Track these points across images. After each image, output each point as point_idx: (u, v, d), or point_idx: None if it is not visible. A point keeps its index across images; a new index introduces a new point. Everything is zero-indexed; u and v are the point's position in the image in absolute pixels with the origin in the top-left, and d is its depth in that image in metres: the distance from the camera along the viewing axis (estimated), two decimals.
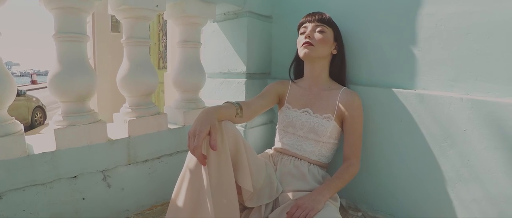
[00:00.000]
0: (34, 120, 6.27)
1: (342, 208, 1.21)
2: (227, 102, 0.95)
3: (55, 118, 0.96)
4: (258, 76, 1.46)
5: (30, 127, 6.02)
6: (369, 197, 1.20)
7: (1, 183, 0.81)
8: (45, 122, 6.67)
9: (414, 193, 1.07)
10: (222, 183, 0.82)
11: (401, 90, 1.06)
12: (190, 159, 0.80)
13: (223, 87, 1.51)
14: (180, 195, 0.80)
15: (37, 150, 0.89)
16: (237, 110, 0.93)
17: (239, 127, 1.35)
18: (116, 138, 1.04)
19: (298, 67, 1.20)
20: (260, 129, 1.39)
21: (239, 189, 0.91)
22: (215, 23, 1.52)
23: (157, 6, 1.05)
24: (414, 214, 1.08)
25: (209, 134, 0.76)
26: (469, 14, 0.93)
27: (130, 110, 1.12)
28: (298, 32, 1.13)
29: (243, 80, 1.41)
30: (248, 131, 1.35)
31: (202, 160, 0.74)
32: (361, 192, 1.22)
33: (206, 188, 0.76)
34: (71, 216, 0.95)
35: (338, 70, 1.13)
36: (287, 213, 0.88)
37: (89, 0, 0.91)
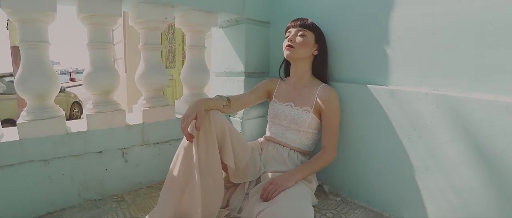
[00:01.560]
0: (72, 114, 6.91)
1: (324, 193, 1.37)
2: (218, 95, 1.17)
3: (87, 106, 1.24)
4: (256, 75, 1.67)
5: (68, 120, 6.65)
6: (348, 184, 1.33)
7: (48, 152, 1.09)
8: (82, 117, 7.31)
9: (386, 181, 1.18)
10: (210, 159, 1.03)
11: (374, 86, 1.18)
12: (185, 139, 1.03)
13: (227, 84, 1.74)
14: (175, 166, 1.03)
15: (73, 130, 1.17)
16: (224, 102, 1.15)
17: (237, 118, 1.57)
18: (133, 123, 1.31)
19: (286, 67, 1.38)
20: (256, 120, 1.60)
21: (226, 167, 1.13)
22: (221, 29, 1.75)
23: (166, 18, 1.29)
24: (387, 201, 1.19)
25: (195, 118, 0.98)
26: (435, 15, 1.02)
27: (145, 102, 1.38)
28: (284, 36, 1.31)
29: (242, 78, 1.62)
30: (245, 122, 1.56)
31: (189, 137, 0.97)
32: (341, 180, 1.36)
33: (195, 162, 0.99)
34: (96, 182, 1.22)
35: (319, 69, 1.29)
36: (262, 188, 1.08)
37: (113, 18, 1.17)
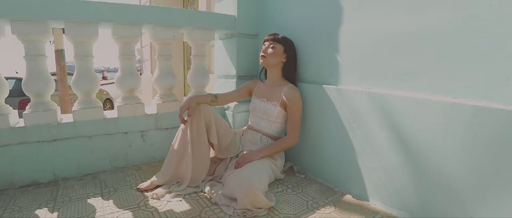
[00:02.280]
0: (104, 109, 7.70)
1: (293, 172, 1.72)
2: (208, 93, 1.61)
3: (117, 100, 1.73)
4: (246, 77, 2.09)
5: None
6: (311, 165, 1.67)
7: (91, 131, 1.60)
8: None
9: (337, 162, 1.49)
10: (199, 138, 1.47)
11: (328, 86, 1.50)
12: (182, 124, 1.48)
13: (225, 84, 2.17)
14: (175, 143, 1.49)
15: (108, 116, 1.67)
16: (212, 98, 1.59)
17: (230, 111, 2.00)
18: (150, 113, 1.79)
19: (265, 71, 1.79)
20: (243, 113, 2.02)
21: (213, 146, 1.57)
22: (221, 40, 2.19)
23: (174, 36, 1.76)
24: (338, 178, 1.50)
25: (188, 109, 1.43)
26: (367, 30, 1.32)
27: (159, 98, 1.85)
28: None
29: (235, 80, 2.05)
30: (235, 115, 1.99)
31: (183, 121, 1.43)
32: (306, 161, 1.70)
33: (189, 139, 1.44)
34: (122, 155, 1.72)
35: (288, 72, 1.63)
36: (236, 161, 1.51)
37: (136, 38, 1.66)
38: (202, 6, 4.00)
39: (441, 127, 1.06)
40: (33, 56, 1.46)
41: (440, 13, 1.08)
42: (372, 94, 1.29)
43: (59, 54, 5.77)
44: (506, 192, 0.91)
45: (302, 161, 1.75)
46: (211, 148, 1.59)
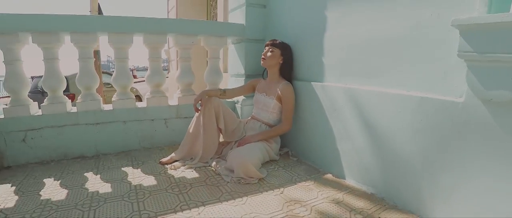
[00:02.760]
0: None
1: (288, 156, 2.05)
2: (218, 88, 1.99)
3: (146, 94, 2.15)
4: (253, 76, 2.44)
5: None
6: (302, 150, 1.98)
7: (125, 117, 2.03)
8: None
9: (322, 147, 1.78)
10: (210, 124, 1.85)
11: (315, 83, 1.81)
12: (196, 112, 1.86)
13: (236, 81, 2.53)
14: (191, 127, 1.88)
15: (139, 106, 2.09)
16: (221, 92, 1.96)
17: (239, 105, 2.36)
18: (172, 104, 2.19)
19: (267, 71, 2.13)
20: (249, 106, 2.36)
21: (221, 130, 1.94)
22: (233, 44, 2.55)
23: (192, 42, 2.15)
24: (323, 161, 1.79)
25: (201, 100, 1.81)
26: (343, 36, 1.62)
27: (180, 92, 2.25)
28: None
29: (243, 78, 2.41)
30: (243, 107, 2.35)
31: (196, 110, 1.82)
32: (298, 146, 2.03)
33: (201, 124, 1.82)
34: (149, 137, 2.13)
35: (284, 71, 1.97)
36: (238, 142, 1.87)
37: (162, 44, 2.07)
38: (220, 11, 4.41)
39: (396, 115, 1.32)
40: (84, 58, 1.92)
41: (394, 22, 1.36)
42: (347, 89, 1.57)
43: (96, 55, 6.45)
44: (447, 166, 1.13)
45: (296, 146, 2.07)
46: (219, 133, 1.96)
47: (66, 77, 2.05)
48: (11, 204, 1.34)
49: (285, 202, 1.37)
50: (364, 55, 1.53)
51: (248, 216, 1.24)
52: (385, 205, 1.35)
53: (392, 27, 1.37)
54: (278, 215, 1.26)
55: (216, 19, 5.36)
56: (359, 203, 1.37)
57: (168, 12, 7.97)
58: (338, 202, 1.38)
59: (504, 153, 0.96)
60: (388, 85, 1.40)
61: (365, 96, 1.48)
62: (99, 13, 5.20)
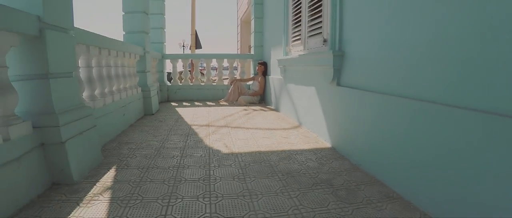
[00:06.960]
0: None
1: (260, 102, 5.42)
2: (240, 77, 5.52)
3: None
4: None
5: None
6: (267, 101, 5.34)
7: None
8: None
9: (277, 104, 5.03)
10: (235, 90, 5.42)
11: (272, 76, 5.11)
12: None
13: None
14: (229, 91, 5.46)
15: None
16: (241, 77, 5.51)
17: (250, 84, 5.81)
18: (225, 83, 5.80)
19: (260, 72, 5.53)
20: (248, 85, 5.76)
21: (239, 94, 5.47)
22: (251, 60, 6.00)
23: (226, 60, 5.70)
24: (276, 105, 5.15)
25: (232, 81, 5.38)
26: (275, 54, 5.01)
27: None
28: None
29: (253, 75, 5.84)
30: (251, 86, 5.77)
31: (231, 83, 5.40)
32: (267, 102, 5.35)
33: (231, 91, 5.38)
34: (217, 97, 5.77)
35: (264, 72, 5.42)
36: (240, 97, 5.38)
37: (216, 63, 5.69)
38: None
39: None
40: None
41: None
42: (281, 79, 4.87)
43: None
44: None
45: (265, 99, 5.45)
46: (239, 93, 5.45)
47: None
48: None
49: (245, 109, 4.77)
50: (277, 62, 4.83)
51: (228, 112, 4.69)
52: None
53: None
54: (241, 110, 4.67)
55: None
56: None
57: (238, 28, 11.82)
58: (278, 117, 4.72)
59: None
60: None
61: (286, 80, 4.77)
62: (196, 40, 8.83)
